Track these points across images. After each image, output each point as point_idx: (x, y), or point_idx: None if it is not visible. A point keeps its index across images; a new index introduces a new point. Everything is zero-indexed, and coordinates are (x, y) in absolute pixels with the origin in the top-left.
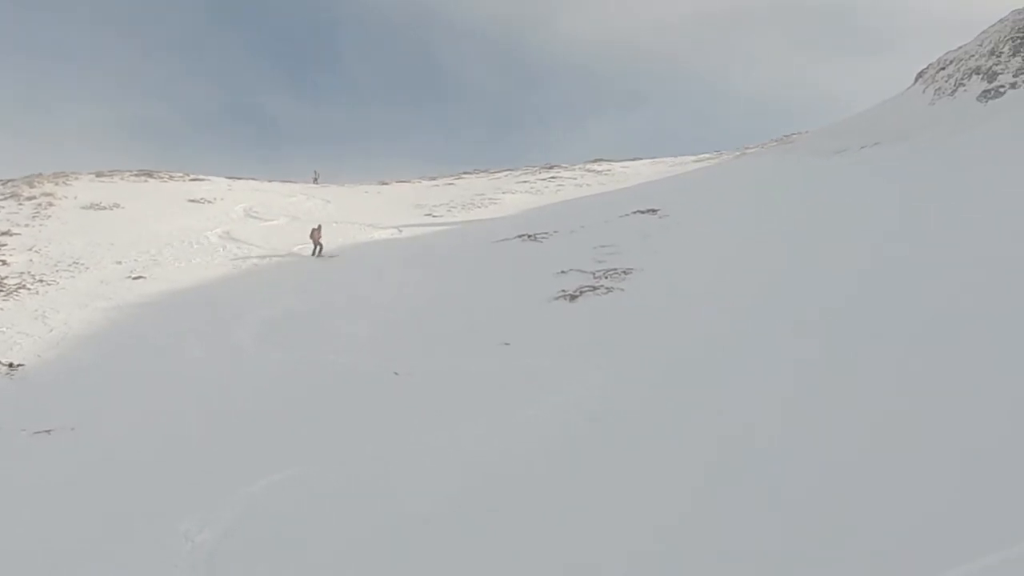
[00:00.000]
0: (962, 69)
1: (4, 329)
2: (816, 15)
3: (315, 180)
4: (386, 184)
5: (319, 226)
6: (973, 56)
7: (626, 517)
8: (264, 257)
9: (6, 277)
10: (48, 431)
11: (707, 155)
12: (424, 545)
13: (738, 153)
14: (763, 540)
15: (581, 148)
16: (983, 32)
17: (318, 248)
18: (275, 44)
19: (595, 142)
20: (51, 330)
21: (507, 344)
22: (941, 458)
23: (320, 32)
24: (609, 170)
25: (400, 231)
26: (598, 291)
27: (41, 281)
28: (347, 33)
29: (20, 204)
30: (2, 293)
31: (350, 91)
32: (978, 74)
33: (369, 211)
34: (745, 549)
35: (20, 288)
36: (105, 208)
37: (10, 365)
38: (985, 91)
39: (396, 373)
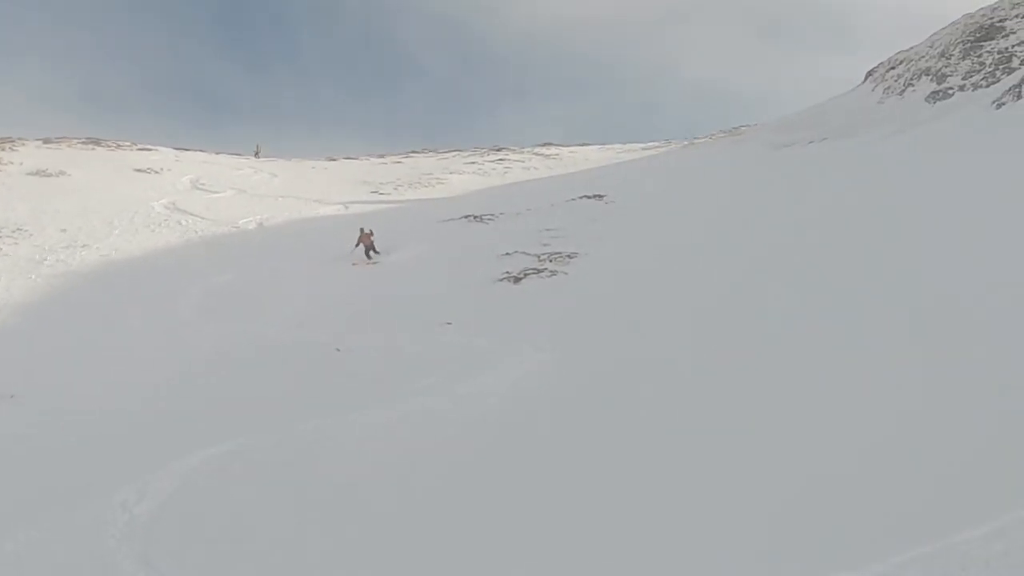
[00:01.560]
0: (912, 70)
1: None
2: (776, 4)
3: (256, 154)
4: (334, 160)
5: (370, 231)
6: (923, 57)
7: (558, 495)
8: (209, 229)
9: None
10: None
11: (656, 144)
12: (357, 519)
13: (687, 143)
14: (706, 510)
15: (529, 133)
16: (934, 34)
17: (369, 251)
18: (226, 13)
19: (543, 128)
20: None
21: (449, 324)
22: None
23: (270, 3)
24: (557, 155)
25: (346, 208)
26: (542, 274)
27: None
28: (297, 5)
29: None
30: None
31: (298, 65)
32: (927, 75)
33: (316, 187)
34: (684, 524)
35: None
36: (51, 175)
37: None
38: (934, 92)
39: (337, 349)
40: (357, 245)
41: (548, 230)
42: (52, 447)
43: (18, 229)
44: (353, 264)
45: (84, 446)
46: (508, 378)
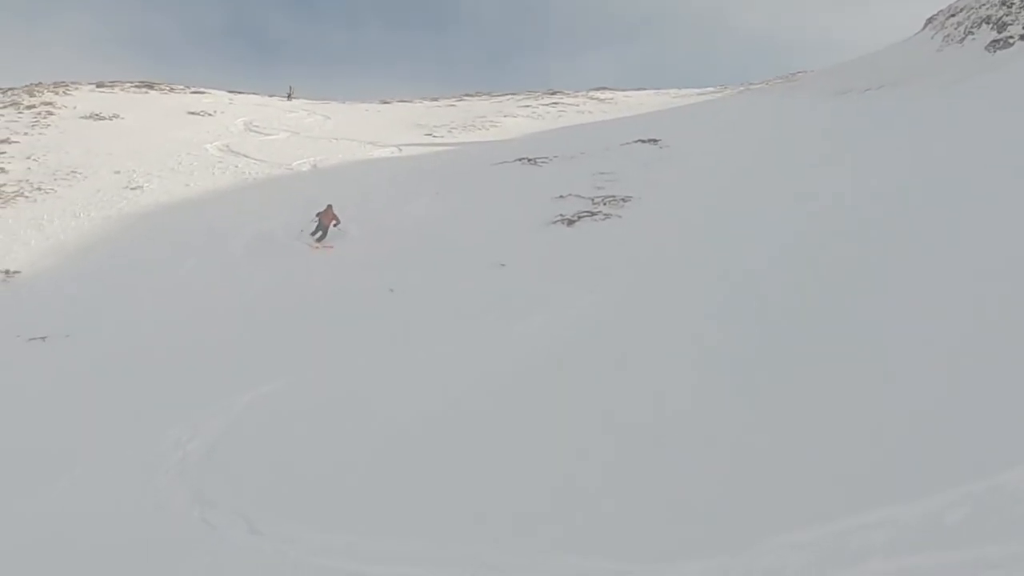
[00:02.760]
0: (972, 17)
1: (1, 236)
2: None
3: (289, 96)
4: (387, 103)
5: (328, 207)
6: (984, 5)
7: (619, 428)
8: (263, 171)
9: (4, 185)
10: (43, 338)
11: (711, 89)
12: (407, 456)
13: (742, 88)
14: (746, 448)
15: (581, 79)
16: None
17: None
18: None
19: (596, 74)
20: (47, 238)
21: (503, 265)
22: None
23: None
24: (612, 99)
25: (400, 150)
26: (596, 217)
27: (39, 189)
28: None
29: (20, 113)
30: (0, 201)
31: (350, 12)
32: (988, 23)
33: (369, 129)
34: (730, 447)
35: (17, 196)
36: (104, 118)
37: (6, 272)
38: (994, 41)
39: (391, 290)
40: (316, 228)
41: (602, 174)
42: (106, 386)
43: (72, 172)
44: (313, 248)
45: (137, 385)
46: (560, 319)
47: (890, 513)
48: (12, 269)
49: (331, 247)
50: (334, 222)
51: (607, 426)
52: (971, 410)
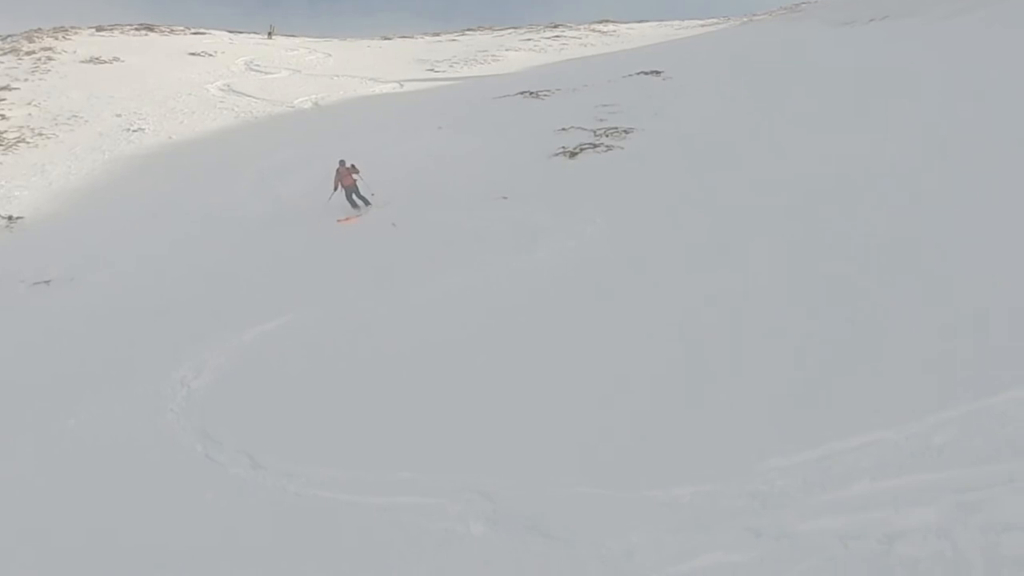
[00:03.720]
0: None
1: (3, 183)
2: None
3: (269, 35)
4: (389, 39)
5: (351, 165)
6: None
7: (613, 357)
8: (265, 110)
9: (5, 131)
10: (47, 282)
11: (715, 20)
12: (407, 390)
13: (746, 19)
14: (750, 382)
15: (584, 12)
16: None
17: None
18: None
19: (598, 6)
20: (50, 183)
21: (505, 198)
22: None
23: None
24: (614, 31)
25: (401, 85)
26: (598, 149)
27: (40, 135)
28: None
29: (19, 59)
30: (1, 147)
31: None
32: None
33: (371, 65)
34: (718, 377)
35: (19, 142)
36: (105, 62)
37: (9, 218)
38: None
39: (393, 224)
40: (336, 189)
41: (604, 106)
42: (110, 327)
43: (74, 116)
44: (338, 222)
45: (142, 324)
46: (562, 251)
47: (877, 437)
48: (15, 215)
49: (356, 218)
50: (355, 177)
51: (603, 358)
52: (961, 334)
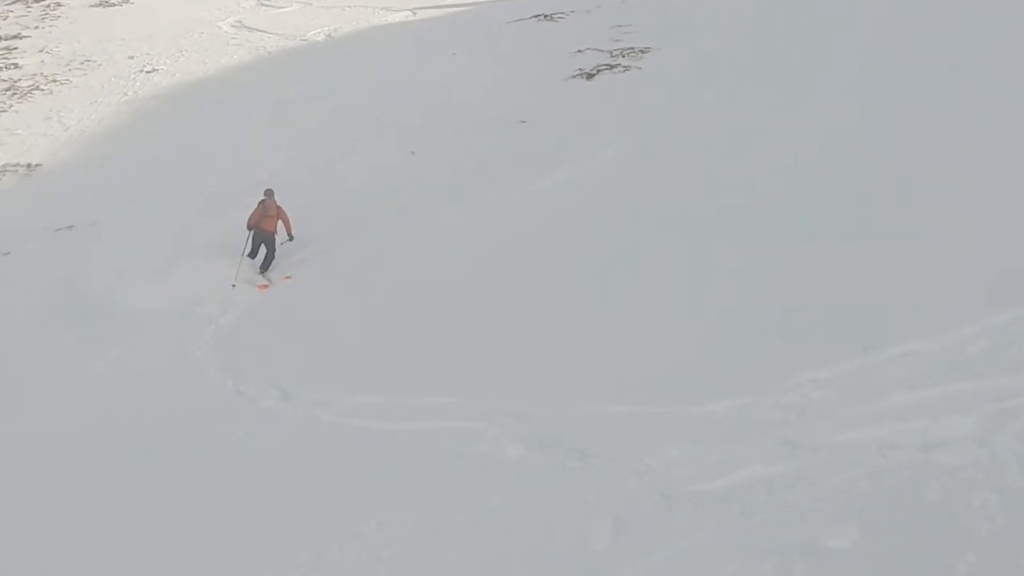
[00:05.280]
0: None
1: (20, 131)
2: None
3: None
4: None
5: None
6: None
7: (640, 278)
8: (278, 44)
9: (19, 80)
10: (70, 227)
11: None
12: (434, 318)
13: None
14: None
15: None
16: None
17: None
18: None
19: None
20: (66, 129)
21: (523, 122)
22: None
23: None
24: None
25: (414, 14)
26: (615, 70)
27: (54, 81)
28: None
29: (28, 7)
30: (16, 95)
31: None
32: None
33: None
34: (753, 290)
35: (34, 90)
36: (114, 4)
37: (28, 166)
38: None
39: (413, 152)
40: (251, 233)
41: (620, 26)
42: (135, 267)
43: (87, 60)
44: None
45: (165, 264)
46: (582, 172)
47: (914, 347)
48: (34, 162)
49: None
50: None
51: (630, 279)
52: (994, 246)
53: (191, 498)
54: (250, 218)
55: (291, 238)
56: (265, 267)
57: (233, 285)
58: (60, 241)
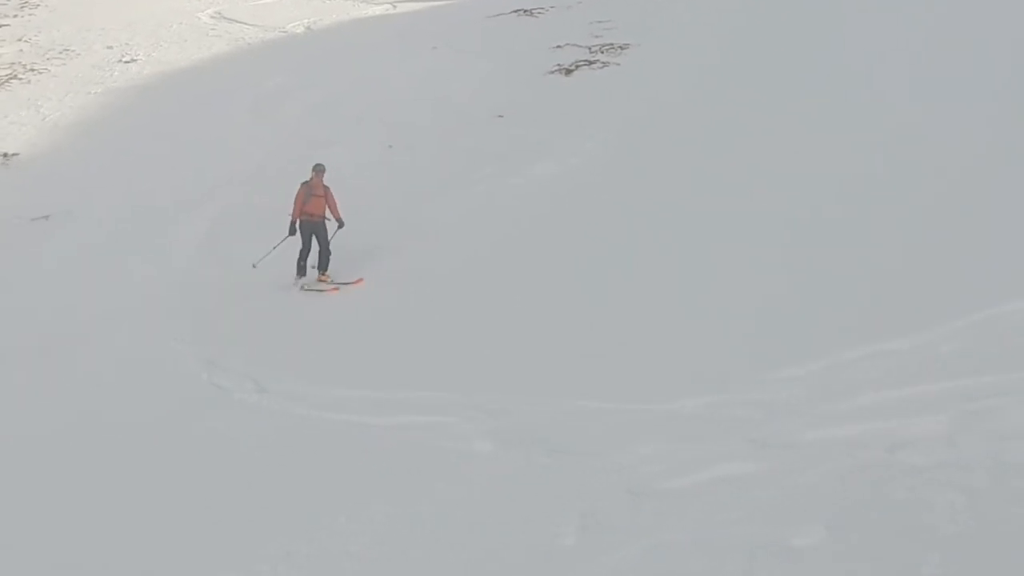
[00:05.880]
0: None
1: None
2: None
3: None
4: None
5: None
6: None
7: (615, 275)
8: (257, 36)
9: None
10: (46, 217)
11: None
12: (410, 314)
13: None
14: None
15: None
16: None
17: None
18: None
19: None
20: (44, 118)
21: (501, 117)
22: None
23: None
24: None
25: (394, 7)
26: (594, 66)
27: (32, 70)
28: None
29: None
30: None
31: None
32: None
33: None
34: (726, 289)
35: (12, 78)
36: None
37: (4, 155)
38: None
39: (390, 146)
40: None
41: (600, 22)
42: (112, 258)
43: (65, 50)
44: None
45: (144, 254)
46: (561, 169)
47: (883, 348)
48: (10, 152)
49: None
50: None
51: (609, 272)
52: (965, 246)
53: (159, 490)
54: (295, 204)
55: (341, 224)
56: (324, 266)
57: (254, 266)
58: (37, 229)
